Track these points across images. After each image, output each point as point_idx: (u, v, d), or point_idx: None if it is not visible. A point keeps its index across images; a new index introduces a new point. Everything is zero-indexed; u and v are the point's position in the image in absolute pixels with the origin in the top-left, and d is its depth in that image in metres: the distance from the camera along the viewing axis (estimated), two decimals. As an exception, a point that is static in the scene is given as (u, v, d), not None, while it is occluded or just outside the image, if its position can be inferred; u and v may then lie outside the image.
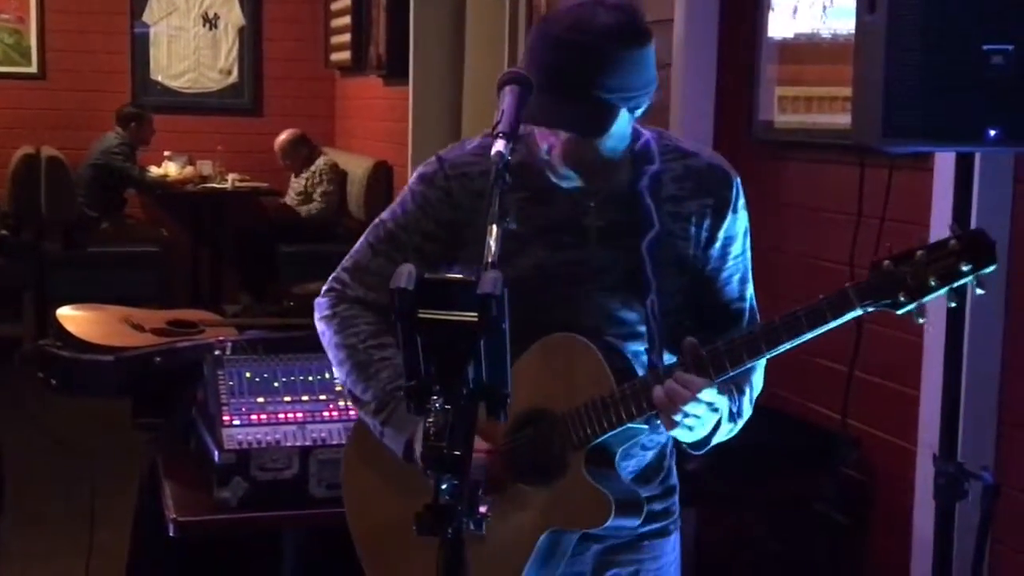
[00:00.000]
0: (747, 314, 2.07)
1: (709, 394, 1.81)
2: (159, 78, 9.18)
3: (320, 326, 2.11)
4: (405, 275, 1.38)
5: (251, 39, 9.31)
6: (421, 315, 1.37)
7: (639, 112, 1.91)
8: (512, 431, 1.96)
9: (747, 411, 2.01)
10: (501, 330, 1.36)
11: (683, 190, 1.99)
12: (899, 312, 1.76)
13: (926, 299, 1.74)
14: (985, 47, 2.20)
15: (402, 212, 2.05)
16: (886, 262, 1.76)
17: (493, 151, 1.70)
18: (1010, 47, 2.20)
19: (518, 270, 1.91)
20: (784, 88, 3.87)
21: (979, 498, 2.35)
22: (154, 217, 8.93)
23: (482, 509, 1.40)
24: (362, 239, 2.10)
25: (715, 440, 1.95)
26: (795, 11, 3.81)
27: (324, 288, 2.12)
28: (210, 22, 9.26)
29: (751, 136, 3.99)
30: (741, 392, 1.99)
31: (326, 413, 2.88)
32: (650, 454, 2.07)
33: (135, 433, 3.38)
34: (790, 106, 3.85)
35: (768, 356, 1.85)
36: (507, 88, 1.79)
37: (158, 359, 3.31)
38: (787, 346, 1.81)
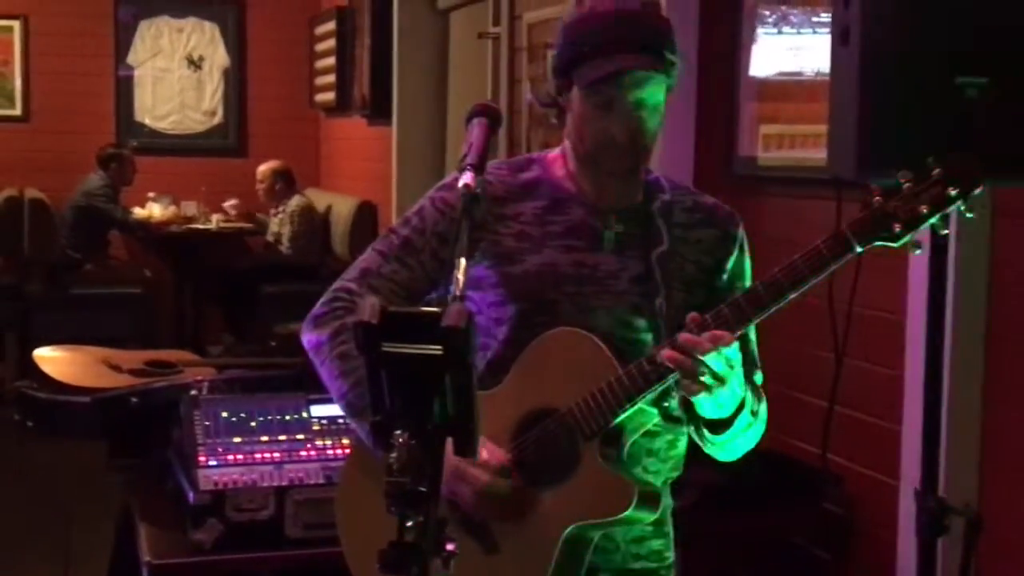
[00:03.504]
0: (749, 355, 2.04)
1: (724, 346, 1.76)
2: (144, 120, 9.18)
3: (317, 337, 2.01)
4: (368, 308, 1.36)
5: (236, 80, 9.33)
6: (385, 349, 1.35)
7: (670, 89, 1.97)
8: (518, 435, 1.93)
9: (760, 424, 1.98)
10: (467, 364, 1.33)
11: (692, 219, 2.04)
12: (896, 244, 1.76)
13: (920, 227, 1.76)
14: (959, 79, 2.20)
15: (418, 218, 2.05)
16: (876, 198, 1.77)
17: (460, 183, 1.70)
18: (984, 80, 2.19)
19: (527, 266, 1.97)
20: (768, 126, 3.88)
21: (961, 533, 2.32)
22: (138, 258, 8.90)
23: (449, 547, 1.37)
24: (368, 250, 2.07)
25: (738, 426, 1.89)
26: (774, 50, 3.82)
27: (324, 300, 2.05)
28: (195, 64, 9.27)
29: (732, 172, 3.99)
30: (757, 400, 1.96)
31: (303, 452, 2.85)
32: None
33: (112, 475, 3.34)
34: (774, 143, 3.86)
35: (773, 309, 1.81)
36: (475, 121, 1.80)
37: (134, 400, 3.28)
38: (792, 295, 1.80)
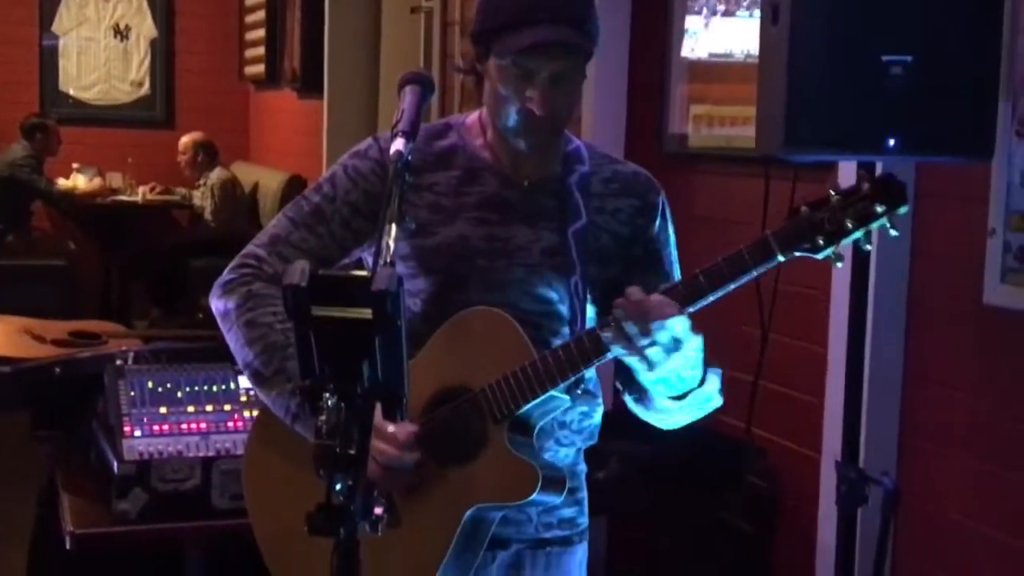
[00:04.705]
0: None
1: (677, 322, 1.74)
2: (69, 90, 9.03)
3: (224, 303, 1.97)
4: (298, 272, 1.35)
5: (163, 51, 9.19)
6: (315, 312, 1.34)
7: (588, 60, 1.94)
8: (427, 411, 1.91)
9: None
10: (396, 328, 1.34)
11: (610, 190, 2.02)
12: (819, 256, 1.76)
13: (844, 241, 1.76)
14: (885, 58, 2.24)
15: (330, 185, 2.01)
16: (803, 208, 1.77)
17: (392, 150, 1.69)
18: (909, 58, 2.24)
19: (440, 239, 1.95)
20: (697, 106, 3.91)
21: (880, 503, 2.38)
22: (61, 230, 8.76)
23: (377, 510, 1.37)
24: (279, 216, 2.03)
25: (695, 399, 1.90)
26: (706, 29, 3.85)
27: (232, 265, 2.00)
28: (121, 33, 9.13)
29: (662, 150, 4.02)
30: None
31: (230, 423, 2.83)
32: (563, 452, 2.04)
33: (34, 447, 3.30)
34: (704, 122, 3.90)
35: (690, 311, 1.79)
36: (407, 88, 1.79)
37: (58, 370, 3.23)
38: (712, 298, 1.79)
